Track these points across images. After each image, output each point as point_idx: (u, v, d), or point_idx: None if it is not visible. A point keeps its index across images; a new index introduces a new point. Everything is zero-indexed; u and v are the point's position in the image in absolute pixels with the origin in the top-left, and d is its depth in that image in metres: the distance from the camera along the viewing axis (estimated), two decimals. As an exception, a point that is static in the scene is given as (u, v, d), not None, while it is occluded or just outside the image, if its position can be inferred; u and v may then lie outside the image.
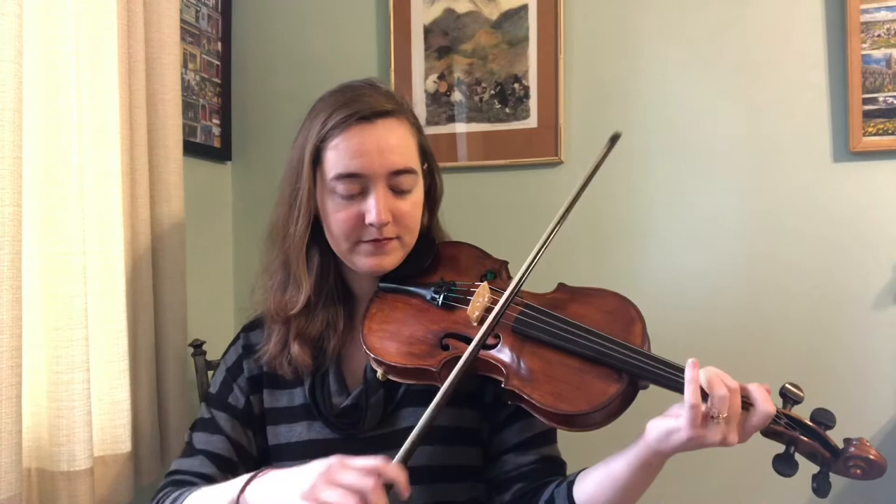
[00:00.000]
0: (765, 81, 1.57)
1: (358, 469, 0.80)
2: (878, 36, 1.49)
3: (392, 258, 1.06)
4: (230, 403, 1.12)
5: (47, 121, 1.15)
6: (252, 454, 1.12)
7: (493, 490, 1.10)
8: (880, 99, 1.49)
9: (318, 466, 0.82)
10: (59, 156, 1.15)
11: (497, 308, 0.93)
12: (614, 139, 1.00)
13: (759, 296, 1.57)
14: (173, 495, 1.00)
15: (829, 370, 1.53)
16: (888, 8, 1.49)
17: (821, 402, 1.49)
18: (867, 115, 1.50)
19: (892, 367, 1.50)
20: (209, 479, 1.05)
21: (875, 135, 1.49)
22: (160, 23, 1.38)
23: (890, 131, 1.49)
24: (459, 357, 0.95)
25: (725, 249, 1.60)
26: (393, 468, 0.81)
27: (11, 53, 1.01)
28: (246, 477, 0.90)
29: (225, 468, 1.08)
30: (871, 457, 0.85)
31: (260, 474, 0.90)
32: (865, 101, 1.50)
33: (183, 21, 1.65)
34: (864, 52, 1.50)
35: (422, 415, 0.87)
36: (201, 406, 1.15)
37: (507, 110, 1.71)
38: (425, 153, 1.10)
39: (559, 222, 0.96)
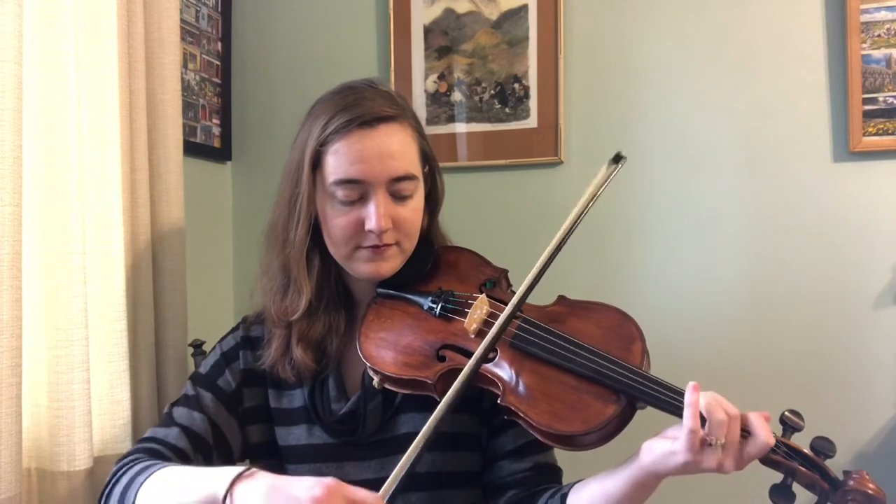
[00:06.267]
0: (765, 81, 1.57)
1: None
2: (878, 36, 1.49)
3: (391, 264, 1.05)
4: (219, 385, 1.10)
5: (47, 121, 1.15)
6: (230, 443, 1.09)
7: (487, 494, 1.09)
8: (880, 99, 1.49)
9: (315, 489, 0.77)
10: (59, 156, 1.15)
11: (490, 334, 0.91)
12: (618, 159, 0.96)
13: (759, 295, 1.57)
14: (144, 463, 0.96)
15: (829, 370, 1.53)
16: (888, 8, 1.49)
17: (821, 403, 1.51)
18: (867, 115, 1.50)
19: (892, 367, 1.50)
20: (182, 455, 1.03)
21: (875, 135, 1.49)
22: (160, 23, 1.38)
23: (890, 131, 1.49)
24: (455, 369, 0.95)
25: (725, 249, 1.60)
26: None
27: (11, 53, 1.01)
28: (232, 472, 0.83)
29: (199, 449, 1.05)
30: (870, 491, 0.83)
31: (248, 475, 0.83)
32: (865, 101, 1.50)
33: (183, 21, 1.65)
34: (864, 52, 1.50)
35: (420, 421, 0.86)
36: (186, 384, 1.13)
37: (507, 110, 1.71)
38: (427, 157, 1.09)
39: (558, 247, 0.94)
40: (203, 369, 1.14)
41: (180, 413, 1.08)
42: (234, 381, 1.11)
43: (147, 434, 1.08)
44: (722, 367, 1.57)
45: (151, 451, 1.03)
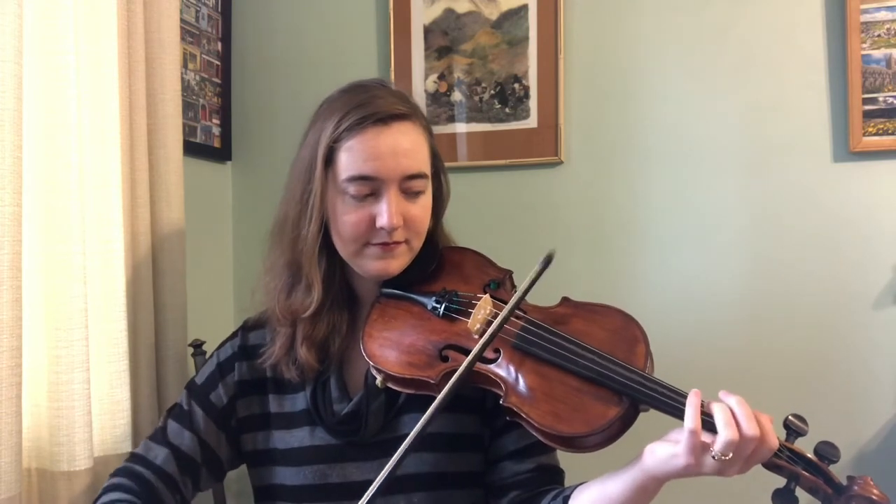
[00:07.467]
0: (765, 81, 1.57)
1: None
2: (878, 36, 1.49)
3: (399, 262, 1.05)
4: (211, 401, 1.11)
5: (47, 121, 1.15)
6: (219, 456, 1.12)
7: (489, 495, 1.09)
8: (880, 99, 1.49)
9: None
10: (59, 156, 1.15)
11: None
12: (548, 260, 0.93)
13: (759, 296, 1.57)
14: None
15: (829, 370, 1.53)
16: (888, 8, 1.49)
17: (821, 402, 1.51)
18: (867, 115, 1.50)
19: (893, 366, 1.50)
20: (169, 480, 1.07)
21: (875, 135, 1.49)
22: (160, 23, 1.38)
23: (890, 131, 1.49)
24: (458, 369, 0.96)
25: (725, 249, 1.60)
26: None
27: (11, 53, 1.01)
28: None
29: (185, 469, 1.09)
30: (874, 497, 0.83)
31: None
32: (865, 101, 1.50)
33: (183, 21, 1.65)
34: (864, 52, 1.49)
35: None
36: (183, 392, 1.14)
37: (507, 110, 1.71)
38: (435, 157, 1.10)
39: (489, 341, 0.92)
40: (199, 379, 1.15)
41: (173, 429, 1.10)
42: (226, 396, 1.12)
43: (139, 450, 1.11)
44: (723, 367, 1.57)
45: (140, 479, 1.06)
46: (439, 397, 0.87)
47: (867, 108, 1.50)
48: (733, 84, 1.59)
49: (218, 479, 1.16)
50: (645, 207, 1.64)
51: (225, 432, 1.11)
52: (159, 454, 1.08)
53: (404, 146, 1.02)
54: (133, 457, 1.10)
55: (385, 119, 1.01)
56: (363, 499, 0.82)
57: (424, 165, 1.05)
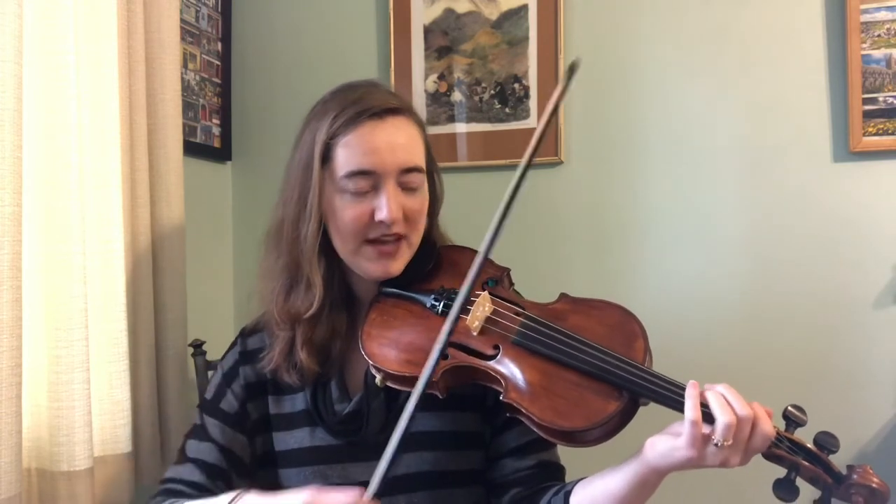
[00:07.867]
0: (765, 81, 1.57)
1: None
2: (878, 36, 1.49)
3: (399, 262, 1.05)
4: (222, 409, 1.11)
5: (47, 121, 1.15)
6: (244, 460, 1.11)
7: (490, 492, 1.09)
8: (880, 99, 1.49)
9: (296, 499, 0.88)
10: (59, 156, 1.15)
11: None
12: (573, 69, 0.96)
13: (759, 295, 1.57)
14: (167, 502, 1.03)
15: (829, 370, 1.53)
16: (888, 8, 1.49)
17: (821, 402, 1.51)
18: (867, 115, 1.50)
19: (893, 367, 1.50)
20: (199, 488, 1.07)
21: (875, 135, 1.49)
22: (160, 23, 1.38)
23: (890, 131, 1.49)
24: (458, 366, 0.96)
25: (725, 249, 1.60)
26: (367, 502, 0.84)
27: (11, 53, 1.01)
28: (227, 498, 0.96)
29: (215, 476, 1.08)
30: (874, 485, 0.84)
31: (239, 498, 0.95)
32: (865, 101, 1.50)
33: (183, 21, 1.65)
34: (864, 52, 1.50)
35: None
36: (196, 411, 1.15)
37: (507, 110, 1.71)
38: (430, 155, 1.10)
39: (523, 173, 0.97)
40: (208, 394, 1.15)
41: (191, 446, 1.11)
42: (237, 401, 1.11)
43: (166, 474, 1.11)
44: (722, 366, 1.57)
45: (171, 491, 1.07)
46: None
47: (867, 108, 1.50)
48: (733, 84, 1.59)
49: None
50: (645, 207, 1.64)
51: (244, 435, 1.11)
52: (184, 471, 1.08)
53: (400, 140, 1.02)
54: (163, 480, 1.11)
55: (380, 114, 1.02)
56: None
57: (420, 160, 1.05)
